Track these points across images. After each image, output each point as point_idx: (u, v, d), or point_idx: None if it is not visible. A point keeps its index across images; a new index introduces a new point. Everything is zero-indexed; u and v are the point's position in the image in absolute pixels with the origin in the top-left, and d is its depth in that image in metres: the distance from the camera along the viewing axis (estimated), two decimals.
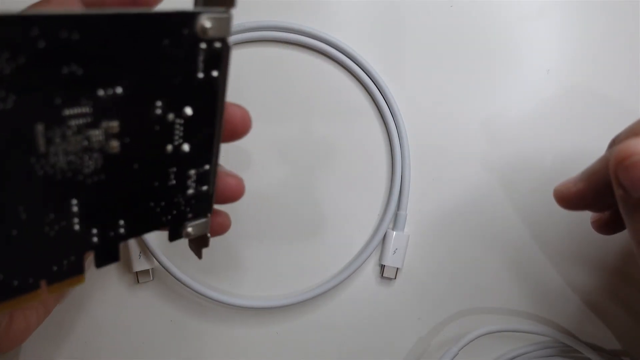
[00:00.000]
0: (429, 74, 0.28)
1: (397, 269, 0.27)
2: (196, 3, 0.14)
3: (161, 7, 0.14)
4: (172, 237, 0.17)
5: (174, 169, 0.15)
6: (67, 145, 0.13)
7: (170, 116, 0.14)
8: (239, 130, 0.17)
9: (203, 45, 0.14)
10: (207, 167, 0.16)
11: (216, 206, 0.18)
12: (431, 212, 0.28)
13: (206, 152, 0.16)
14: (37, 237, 0.13)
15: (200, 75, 0.14)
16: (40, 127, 0.12)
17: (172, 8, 0.13)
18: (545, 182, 0.28)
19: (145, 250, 0.27)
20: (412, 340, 0.28)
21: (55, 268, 0.14)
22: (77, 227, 0.14)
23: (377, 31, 0.28)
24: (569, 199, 0.19)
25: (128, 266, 0.27)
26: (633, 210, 0.15)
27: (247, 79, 0.28)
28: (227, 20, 0.14)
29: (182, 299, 0.28)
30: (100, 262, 0.15)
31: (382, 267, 0.28)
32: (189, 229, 0.17)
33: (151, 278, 0.27)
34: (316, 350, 0.28)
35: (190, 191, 0.16)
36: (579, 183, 0.18)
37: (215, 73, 0.15)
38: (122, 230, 0.15)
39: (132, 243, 0.27)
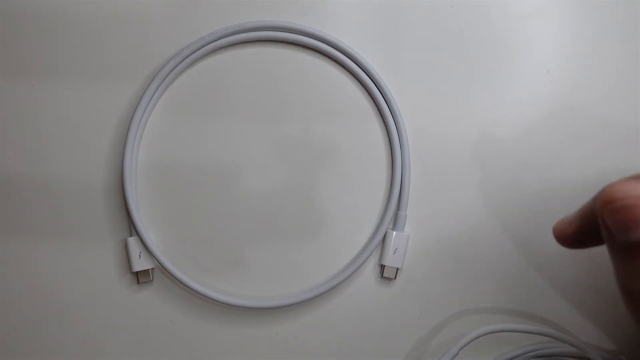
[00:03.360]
0: (429, 73, 0.28)
1: (397, 269, 0.27)
2: None
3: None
4: None
5: None
6: None
7: None
8: None
9: None
10: None
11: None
12: (431, 212, 0.28)
13: None
14: None
15: None
16: None
17: None
18: (545, 182, 0.28)
19: (145, 250, 0.27)
20: (412, 340, 0.28)
21: None
22: None
23: (377, 31, 0.28)
24: (567, 239, 0.19)
25: (128, 266, 0.27)
26: (617, 252, 0.16)
27: (247, 79, 0.28)
28: None
29: (182, 299, 0.28)
30: None
31: (382, 267, 0.28)
32: None
33: (151, 278, 0.27)
34: (316, 350, 0.28)
35: None
36: (574, 223, 0.18)
37: None
38: None
39: (132, 243, 0.27)
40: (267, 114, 0.28)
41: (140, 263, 0.27)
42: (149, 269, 0.27)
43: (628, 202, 0.14)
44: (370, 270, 0.28)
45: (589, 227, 0.18)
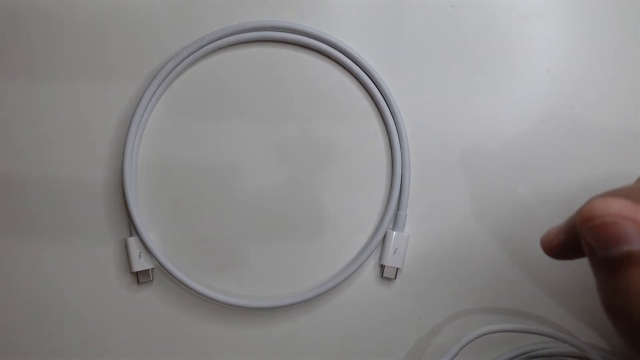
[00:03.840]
0: (429, 74, 0.28)
1: (397, 269, 0.27)
2: None
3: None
4: None
5: None
6: None
7: None
8: None
9: None
10: None
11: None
12: (431, 212, 0.28)
13: None
14: None
15: None
16: None
17: None
18: (546, 181, 0.28)
19: (145, 250, 0.27)
20: (412, 340, 0.28)
21: None
22: None
23: (377, 31, 0.28)
24: (552, 251, 0.19)
25: (128, 266, 0.27)
26: (598, 267, 0.16)
27: (247, 79, 0.28)
28: None
29: (182, 299, 0.28)
30: None
31: (382, 267, 0.28)
32: None
33: (151, 278, 0.27)
34: (316, 350, 0.28)
35: None
36: (560, 235, 0.18)
37: None
38: None
39: (132, 243, 0.27)
40: (267, 114, 0.28)
41: (140, 263, 0.27)
42: (149, 269, 0.27)
43: (607, 220, 0.15)
44: (370, 270, 0.28)
45: (574, 240, 0.18)
